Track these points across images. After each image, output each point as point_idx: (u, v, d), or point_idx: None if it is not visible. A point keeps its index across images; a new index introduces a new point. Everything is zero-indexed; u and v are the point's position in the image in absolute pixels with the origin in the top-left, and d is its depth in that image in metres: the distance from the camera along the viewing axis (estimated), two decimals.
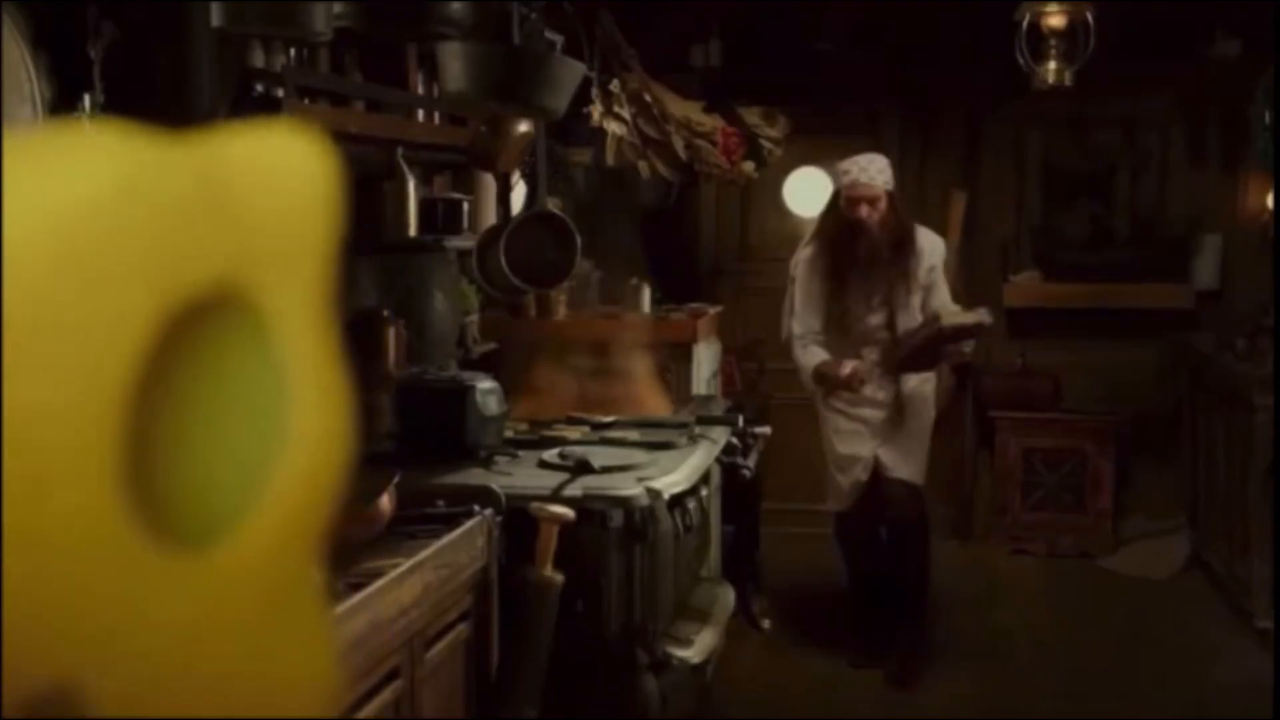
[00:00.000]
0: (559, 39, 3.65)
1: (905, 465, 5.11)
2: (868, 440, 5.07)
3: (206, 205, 0.73)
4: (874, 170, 4.91)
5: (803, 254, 5.16)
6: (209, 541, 0.75)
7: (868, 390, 5.03)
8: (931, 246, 5.08)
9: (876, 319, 5.04)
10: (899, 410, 5.09)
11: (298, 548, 0.81)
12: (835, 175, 5.10)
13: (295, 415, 0.78)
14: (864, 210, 4.88)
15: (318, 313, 0.80)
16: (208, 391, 0.75)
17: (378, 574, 2.55)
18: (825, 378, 5.01)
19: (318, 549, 0.83)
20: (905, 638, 5.07)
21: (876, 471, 5.06)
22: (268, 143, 0.78)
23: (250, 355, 0.77)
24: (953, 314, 4.92)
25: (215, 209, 0.73)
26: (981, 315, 4.92)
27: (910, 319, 5.01)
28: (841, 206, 4.98)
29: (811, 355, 5.07)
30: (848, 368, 4.92)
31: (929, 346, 4.95)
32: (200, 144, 0.74)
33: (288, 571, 0.81)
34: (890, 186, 4.95)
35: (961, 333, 4.92)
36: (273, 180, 0.77)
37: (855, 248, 4.93)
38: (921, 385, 5.14)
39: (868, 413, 5.07)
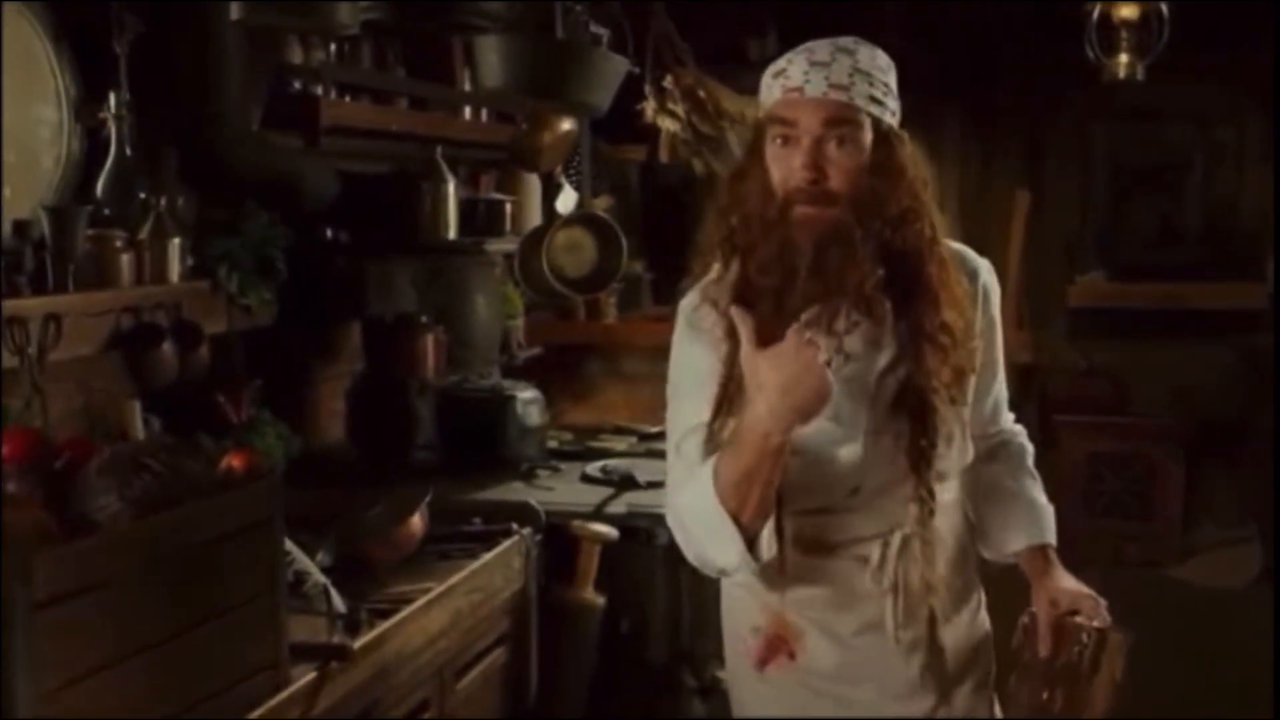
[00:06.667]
0: (605, 33, 3.52)
1: None
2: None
3: None
4: (845, 66, 2.02)
5: (701, 282, 2.20)
6: None
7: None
8: (984, 272, 2.27)
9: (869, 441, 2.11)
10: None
11: None
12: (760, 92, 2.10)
13: None
14: (816, 152, 1.97)
15: None
16: None
17: (406, 600, 2.44)
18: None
19: None
20: None
21: None
22: None
23: None
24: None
25: None
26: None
27: (960, 450, 2.22)
28: (769, 160, 2.03)
29: (699, 479, 2.03)
30: None
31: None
32: None
33: None
34: (887, 114, 2.07)
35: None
36: None
37: (793, 251, 1.97)
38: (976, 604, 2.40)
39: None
